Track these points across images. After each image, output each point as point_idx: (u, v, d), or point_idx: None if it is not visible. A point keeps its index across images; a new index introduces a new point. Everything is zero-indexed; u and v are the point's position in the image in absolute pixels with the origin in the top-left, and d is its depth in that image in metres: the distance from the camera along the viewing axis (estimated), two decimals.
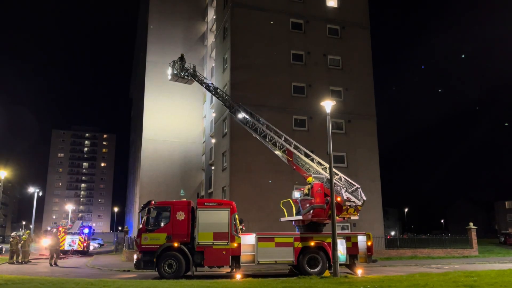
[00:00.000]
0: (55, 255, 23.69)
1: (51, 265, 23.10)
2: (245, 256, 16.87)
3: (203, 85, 24.82)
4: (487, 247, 39.66)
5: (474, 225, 31.43)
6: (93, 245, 45.00)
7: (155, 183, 39.12)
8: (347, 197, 17.81)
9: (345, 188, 18.16)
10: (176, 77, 25.20)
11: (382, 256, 27.08)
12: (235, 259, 16.76)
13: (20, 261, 24.82)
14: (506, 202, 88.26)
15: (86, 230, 35.65)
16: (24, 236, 25.99)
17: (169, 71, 25.31)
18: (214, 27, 39.64)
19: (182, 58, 25.13)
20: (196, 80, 25.01)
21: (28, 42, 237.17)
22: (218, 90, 24.39)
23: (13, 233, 27.32)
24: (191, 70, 25.05)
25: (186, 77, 25.00)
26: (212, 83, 25.30)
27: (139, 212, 22.75)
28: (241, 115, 21.91)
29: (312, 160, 19.66)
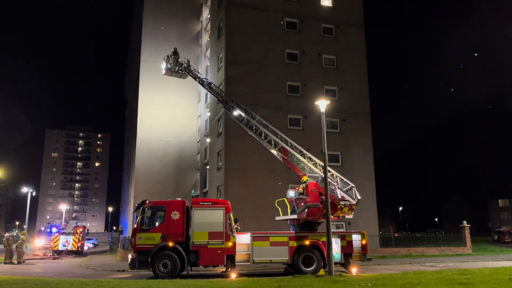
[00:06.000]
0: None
1: None
2: (240, 255, 16.86)
3: (197, 79, 24.65)
4: (481, 245, 39.89)
5: (467, 224, 31.61)
6: (87, 245, 44.83)
7: (150, 182, 38.98)
8: (342, 196, 17.82)
9: (339, 187, 18.20)
10: (170, 72, 25.05)
11: (377, 255, 27.20)
12: (230, 259, 16.74)
13: (14, 261, 24.73)
14: (499, 201, 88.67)
15: (79, 230, 35.38)
16: (23, 237, 26.17)
17: (163, 65, 25.17)
18: (209, 26, 39.56)
19: (175, 53, 24.97)
20: (190, 75, 24.86)
21: (21, 41, 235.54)
22: (212, 85, 24.23)
23: (6, 234, 27.26)
24: (185, 64, 24.93)
25: (180, 71, 24.85)
26: (206, 78, 25.19)
27: (133, 211, 22.69)
28: (236, 112, 21.82)
29: (304, 156, 19.68)
